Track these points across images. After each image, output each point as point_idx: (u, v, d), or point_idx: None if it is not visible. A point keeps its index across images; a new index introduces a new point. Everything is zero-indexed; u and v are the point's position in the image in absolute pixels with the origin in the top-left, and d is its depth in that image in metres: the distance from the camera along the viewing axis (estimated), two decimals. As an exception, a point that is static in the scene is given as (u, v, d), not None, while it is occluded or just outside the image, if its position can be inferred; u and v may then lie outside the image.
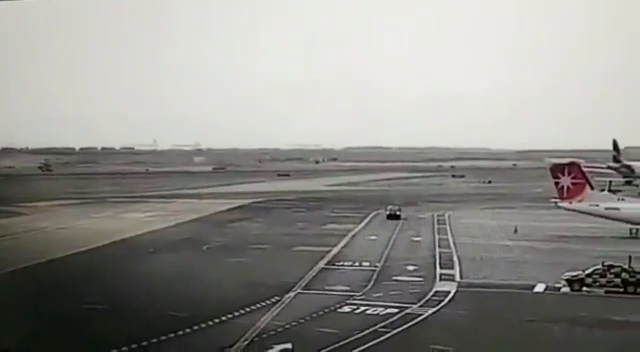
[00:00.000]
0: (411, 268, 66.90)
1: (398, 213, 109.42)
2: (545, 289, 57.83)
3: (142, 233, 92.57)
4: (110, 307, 50.00)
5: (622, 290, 55.75)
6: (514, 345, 43.47)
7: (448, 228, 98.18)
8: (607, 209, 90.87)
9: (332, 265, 69.35)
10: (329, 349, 40.78)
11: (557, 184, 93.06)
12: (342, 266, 69.06)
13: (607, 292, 55.99)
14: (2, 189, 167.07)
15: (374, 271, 65.86)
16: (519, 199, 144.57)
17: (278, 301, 52.33)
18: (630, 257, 58.18)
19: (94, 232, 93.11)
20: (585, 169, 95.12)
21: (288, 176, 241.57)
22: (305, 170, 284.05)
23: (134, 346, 40.31)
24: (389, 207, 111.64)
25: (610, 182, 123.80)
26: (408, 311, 49.79)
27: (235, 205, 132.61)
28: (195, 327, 44.49)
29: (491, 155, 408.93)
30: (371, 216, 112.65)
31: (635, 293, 55.49)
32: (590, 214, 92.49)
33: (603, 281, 56.21)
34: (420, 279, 61.58)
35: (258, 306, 50.60)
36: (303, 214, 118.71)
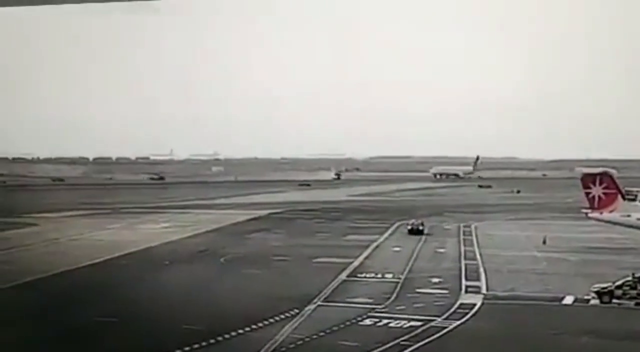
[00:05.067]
0: (435, 280, 65.46)
1: (420, 228, 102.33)
2: (574, 301, 56.31)
3: (157, 244, 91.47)
4: (125, 320, 49.03)
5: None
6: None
7: (474, 239, 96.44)
8: (639, 219, 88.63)
9: (353, 276, 67.97)
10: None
11: (587, 193, 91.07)
12: (364, 277, 67.66)
13: (637, 304, 54.38)
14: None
15: (397, 282, 64.45)
16: (547, 210, 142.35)
17: (297, 314, 51.11)
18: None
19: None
20: None
21: (309, 185, 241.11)
22: (327, 180, 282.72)
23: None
24: (411, 221, 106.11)
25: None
26: (432, 323, 48.44)
27: (254, 215, 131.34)
28: (212, 340, 43.45)
29: (520, 165, 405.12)
30: (395, 226, 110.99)
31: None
32: (621, 224, 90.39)
33: (633, 292, 54.74)
34: (445, 291, 60.18)
35: (277, 318, 49.50)
36: (324, 225, 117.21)
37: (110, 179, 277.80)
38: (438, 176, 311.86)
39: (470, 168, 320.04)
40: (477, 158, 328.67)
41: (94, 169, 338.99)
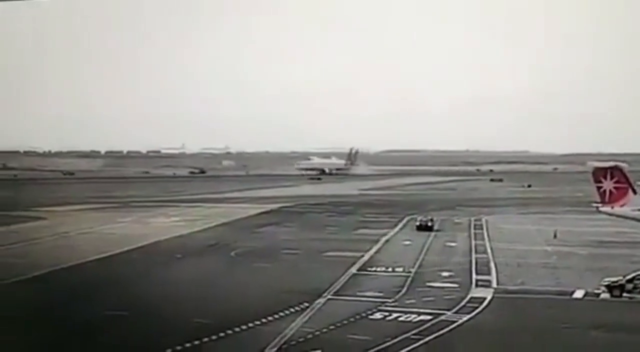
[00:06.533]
0: (446, 274, 65.53)
1: (430, 224, 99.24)
2: (584, 295, 56.20)
3: (168, 238, 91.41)
4: (135, 314, 49.20)
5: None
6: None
7: (485, 233, 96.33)
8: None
9: (364, 270, 68.03)
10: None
11: (598, 188, 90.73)
12: (375, 271, 67.70)
13: (648, 298, 54.15)
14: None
15: (407, 276, 64.48)
16: (558, 204, 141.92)
17: (307, 307, 51.21)
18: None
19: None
20: None
21: (319, 179, 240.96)
22: (338, 174, 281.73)
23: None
24: (419, 218, 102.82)
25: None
26: (442, 317, 48.52)
27: (265, 209, 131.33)
28: (222, 334, 43.54)
29: (531, 159, 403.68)
30: (405, 220, 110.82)
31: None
32: (632, 218, 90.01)
33: (644, 286, 54.49)
34: (455, 285, 60.20)
35: (287, 312, 49.58)
36: (334, 219, 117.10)
37: (147, 173, 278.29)
38: (304, 172, 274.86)
39: (342, 162, 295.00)
40: (351, 150, 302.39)
41: (111, 163, 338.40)
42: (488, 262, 72.09)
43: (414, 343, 42.37)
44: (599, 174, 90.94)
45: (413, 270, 67.59)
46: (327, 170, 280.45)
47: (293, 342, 42.42)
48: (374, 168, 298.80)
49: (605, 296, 55.18)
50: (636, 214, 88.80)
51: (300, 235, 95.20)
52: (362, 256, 75.98)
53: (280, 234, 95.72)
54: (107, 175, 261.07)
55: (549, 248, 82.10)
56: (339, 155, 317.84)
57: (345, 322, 47.25)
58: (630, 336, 44.70)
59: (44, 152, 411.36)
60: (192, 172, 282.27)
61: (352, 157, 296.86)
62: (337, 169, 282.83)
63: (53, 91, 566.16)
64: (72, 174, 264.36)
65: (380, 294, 56.19)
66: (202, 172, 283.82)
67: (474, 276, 64.57)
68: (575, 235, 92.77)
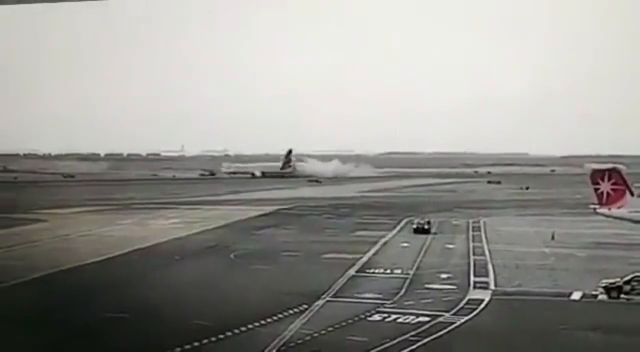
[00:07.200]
0: (444, 275, 65.77)
1: (426, 227, 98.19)
2: (582, 297, 56.46)
3: (167, 240, 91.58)
4: (135, 315, 49.39)
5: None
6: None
7: (483, 235, 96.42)
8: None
9: (362, 272, 68.25)
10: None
11: (596, 189, 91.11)
12: (373, 273, 67.93)
13: (645, 299, 54.37)
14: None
15: (406, 278, 64.70)
16: (556, 205, 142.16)
17: (306, 309, 51.45)
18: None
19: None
20: None
21: (318, 182, 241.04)
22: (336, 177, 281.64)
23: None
24: (416, 220, 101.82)
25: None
26: (440, 319, 48.74)
27: (263, 211, 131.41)
28: (221, 336, 43.79)
29: (529, 161, 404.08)
30: (403, 222, 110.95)
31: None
32: (629, 220, 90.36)
33: (642, 288, 54.73)
34: (453, 287, 60.44)
35: (285, 313, 49.86)
36: (333, 221, 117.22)
37: (155, 175, 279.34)
38: (231, 174, 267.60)
39: (278, 164, 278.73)
40: (290, 152, 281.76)
41: (112, 166, 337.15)
42: (486, 264, 72.30)
43: (413, 345, 42.61)
44: (597, 176, 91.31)
45: (411, 272, 67.82)
46: (257, 174, 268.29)
47: (292, 344, 42.65)
48: (377, 170, 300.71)
49: (603, 297, 55.50)
50: (633, 215, 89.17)
51: (299, 237, 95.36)
52: (361, 257, 76.19)
53: (279, 236, 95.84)
54: (109, 177, 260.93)
55: (546, 250, 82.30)
56: (341, 157, 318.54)
57: (343, 323, 47.52)
58: (627, 338, 44.99)
59: (44, 154, 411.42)
60: (202, 174, 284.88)
61: (289, 158, 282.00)
62: (270, 173, 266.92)
63: (53, 94, 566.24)
64: (72, 176, 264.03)
65: (379, 296, 56.44)
66: (212, 174, 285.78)
67: (471, 277, 64.81)
68: (573, 237, 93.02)
